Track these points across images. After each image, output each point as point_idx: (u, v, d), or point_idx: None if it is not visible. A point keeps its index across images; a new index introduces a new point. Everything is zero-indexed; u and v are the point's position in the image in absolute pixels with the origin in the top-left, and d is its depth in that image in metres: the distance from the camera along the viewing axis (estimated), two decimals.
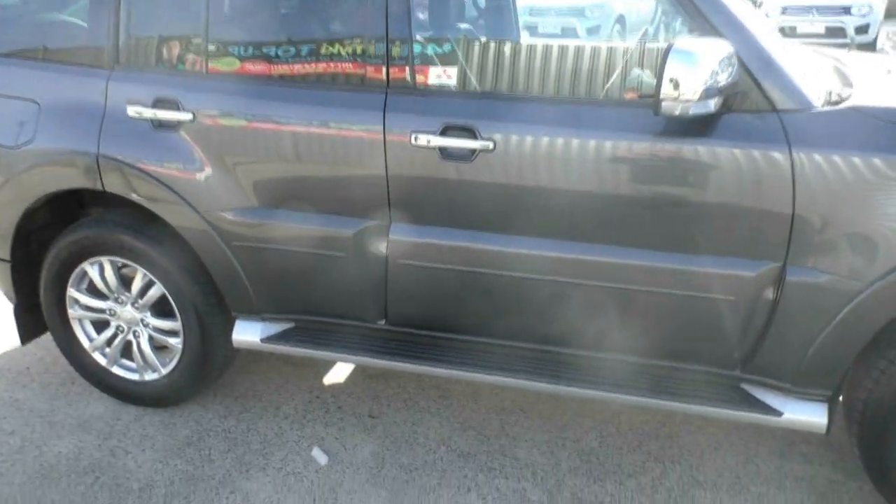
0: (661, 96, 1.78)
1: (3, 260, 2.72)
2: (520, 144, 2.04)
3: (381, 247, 2.26)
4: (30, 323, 2.85)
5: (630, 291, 2.07)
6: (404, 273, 2.26)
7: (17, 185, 2.55)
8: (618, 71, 2.13)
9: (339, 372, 3.01)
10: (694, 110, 1.78)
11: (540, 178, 2.06)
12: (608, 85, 2.12)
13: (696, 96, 1.76)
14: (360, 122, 2.18)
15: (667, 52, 1.76)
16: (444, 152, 2.10)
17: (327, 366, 3.03)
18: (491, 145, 2.05)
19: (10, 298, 2.83)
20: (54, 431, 2.67)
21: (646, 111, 1.90)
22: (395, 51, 2.15)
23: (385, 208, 2.22)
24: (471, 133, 2.07)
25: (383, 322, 2.41)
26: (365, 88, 2.19)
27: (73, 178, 2.49)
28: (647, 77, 2.16)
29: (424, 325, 2.39)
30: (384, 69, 2.17)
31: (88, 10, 2.55)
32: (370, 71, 2.19)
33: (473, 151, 2.07)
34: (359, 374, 2.99)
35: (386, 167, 2.16)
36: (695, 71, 1.74)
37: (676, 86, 1.75)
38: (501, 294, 2.20)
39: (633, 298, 2.08)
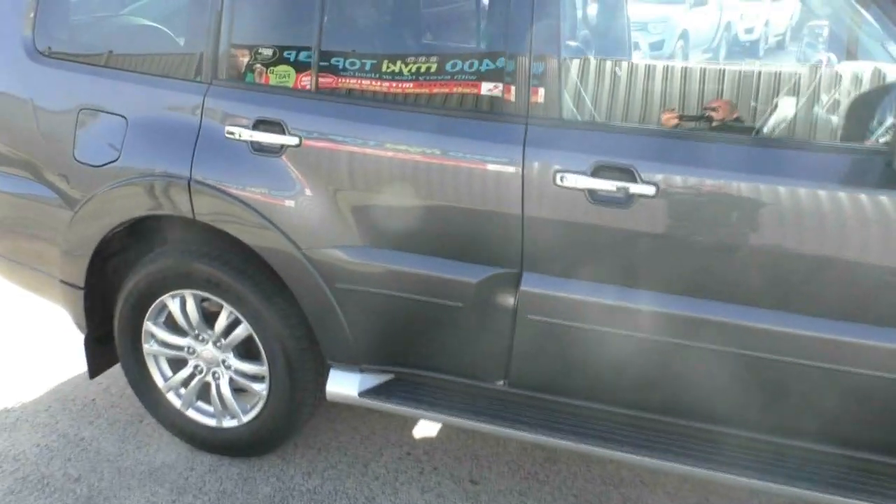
0: None
1: (77, 286, 2.49)
2: (689, 191, 1.73)
3: (510, 299, 1.96)
4: (100, 355, 2.62)
5: (820, 370, 1.73)
6: (535, 330, 1.96)
7: (98, 208, 2.32)
8: (826, 108, 1.81)
9: (431, 424, 2.71)
10: None
11: (712, 232, 1.74)
12: (796, 122, 1.80)
13: None
14: (493, 155, 1.89)
15: None
16: (595, 195, 1.80)
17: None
18: (653, 190, 1.75)
19: (80, 328, 2.60)
20: (124, 481, 2.42)
21: (866, 158, 1.57)
22: (539, 75, 1.85)
23: (517, 255, 1.92)
24: (629, 175, 1.77)
25: (502, 383, 2.11)
26: (502, 118, 1.90)
27: (160, 203, 2.24)
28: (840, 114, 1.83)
29: (551, 388, 2.08)
30: (525, 96, 1.87)
31: (186, 16, 2.32)
32: (508, 97, 1.90)
33: (631, 196, 1.77)
34: (452, 427, 2.69)
35: (522, 208, 1.87)
36: None
37: None
38: (651, 362, 1.88)
39: (824, 377, 1.74)
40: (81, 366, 2.95)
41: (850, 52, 2.38)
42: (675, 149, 1.77)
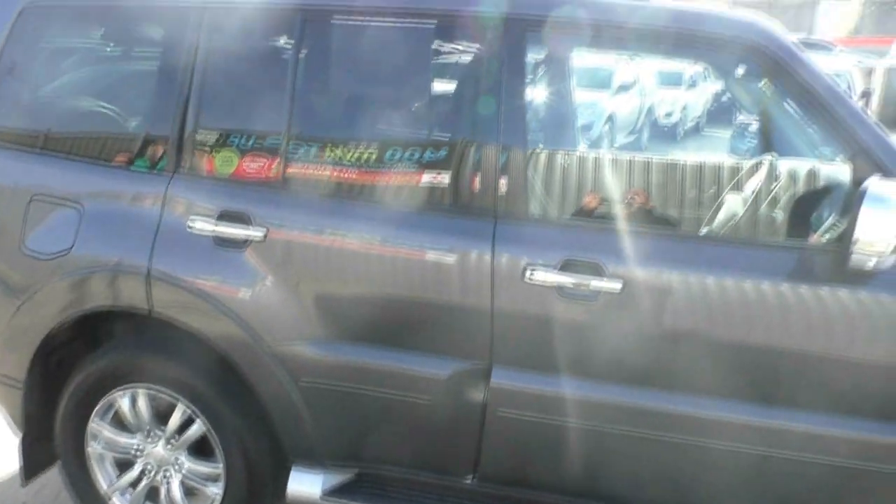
0: (856, 248, 1.56)
1: (17, 381, 2.35)
2: (655, 286, 1.80)
3: (479, 393, 1.96)
4: (35, 456, 2.45)
5: (797, 461, 1.79)
6: (506, 425, 1.96)
7: (47, 300, 2.22)
8: (771, 205, 1.93)
9: None
10: (889, 263, 1.56)
11: (679, 325, 1.80)
12: (757, 221, 1.91)
13: (891, 248, 1.54)
14: (463, 250, 1.92)
15: (861, 196, 1.55)
16: (563, 291, 1.84)
17: None
18: (619, 285, 1.80)
19: (15, 427, 2.44)
20: None
21: (818, 256, 1.68)
22: (506, 170, 1.91)
23: (486, 349, 1.93)
24: (596, 270, 1.82)
25: (471, 478, 2.08)
26: (470, 214, 1.94)
27: (115, 296, 2.17)
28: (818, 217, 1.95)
29: (521, 482, 2.06)
30: (493, 192, 1.92)
31: (147, 103, 2.31)
32: (477, 193, 1.95)
33: (598, 291, 1.82)
34: None
35: (492, 303, 1.90)
36: (891, 219, 1.53)
37: (870, 235, 1.53)
38: (623, 455, 1.90)
39: (800, 467, 1.80)
40: (6, 468, 2.77)
41: (777, 148, 2.56)
42: (643, 244, 1.84)
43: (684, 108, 12.84)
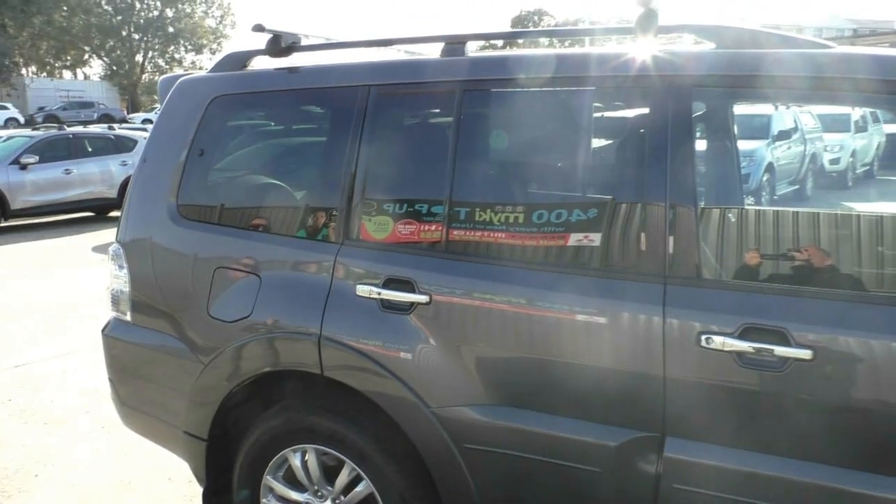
0: None
1: (200, 438, 2.52)
2: (850, 355, 1.64)
3: (651, 465, 1.86)
4: None
5: None
6: (680, 499, 1.84)
7: (229, 362, 2.38)
8: None
9: None
10: None
11: (879, 399, 1.63)
12: None
13: None
14: (631, 314, 1.86)
15: None
16: (744, 358, 1.73)
17: None
18: (809, 354, 1.66)
19: (199, 479, 2.61)
20: None
21: None
22: (674, 230, 1.84)
23: (658, 419, 1.84)
24: (781, 338, 1.69)
25: None
26: (638, 276, 1.88)
27: (290, 359, 2.29)
28: None
29: None
30: (661, 253, 1.85)
31: (315, 178, 2.46)
32: (644, 254, 1.88)
33: (785, 360, 1.69)
34: None
35: (664, 370, 1.81)
36: None
37: None
38: None
39: None
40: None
41: None
42: (833, 311, 1.69)
43: (853, 153, 11.97)
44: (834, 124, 11.63)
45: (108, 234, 10.42)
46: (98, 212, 12.40)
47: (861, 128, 12.28)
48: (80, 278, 7.67)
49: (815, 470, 1.68)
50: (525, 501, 2.05)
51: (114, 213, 12.38)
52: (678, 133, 1.84)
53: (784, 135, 9.94)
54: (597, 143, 2.09)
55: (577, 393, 1.92)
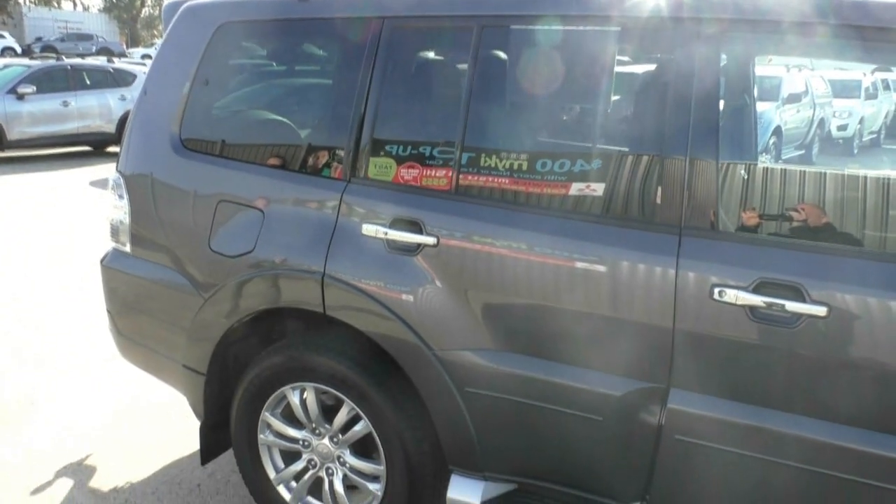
0: None
1: (199, 372, 2.51)
2: (868, 312, 1.61)
3: (654, 416, 1.85)
4: (212, 441, 2.60)
5: None
6: (681, 451, 1.84)
7: (230, 297, 2.35)
8: None
9: None
10: None
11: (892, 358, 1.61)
12: None
13: None
14: (644, 265, 1.82)
15: None
16: (756, 313, 1.70)
17: None
18: (824, 311, 1.64)
19: (197, 414, 2.60)
20: None
21: None
22: (694, 183, 1.79)
23: (664, 370, 1.82)
24: (796, 293, 1.67)
25: (639, 503, 1.97)
26: (652, 227, 1.84)
27: (292, 296, 2.26)
28: None
29: None
30: (678, 205, 1.81)
31: (324, 114, 2.40)
32: (660, 205, 1.84)
33: (799, 316, 1.66)
34: None
35: (674, 322, 1.78)
36: None
37: None
38: (814, 494, 1.72)
39: None
40: (188, 448, 2.97)
41: None
42: (852, 269, 1.66)
43: (861, 120, 11.83)
44: (844, 90, 11.48)
45: (106, 169, 10.33)
46: (96, 146, 12.26)
47: (871, 95, 12.13)
48: (78, 212, 7.61)
49: (821, 427, 1.67)
50: (525, 447, 2.05)
51: (112, 149, 12.24)
52: (704, 82, 1.78)
53: (794, 98, 9.81)
54: (618, 89, 2.02)
55: (582, 342, 1.90)
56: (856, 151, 11.77)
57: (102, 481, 2.85)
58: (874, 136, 12.55)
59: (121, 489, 2.80)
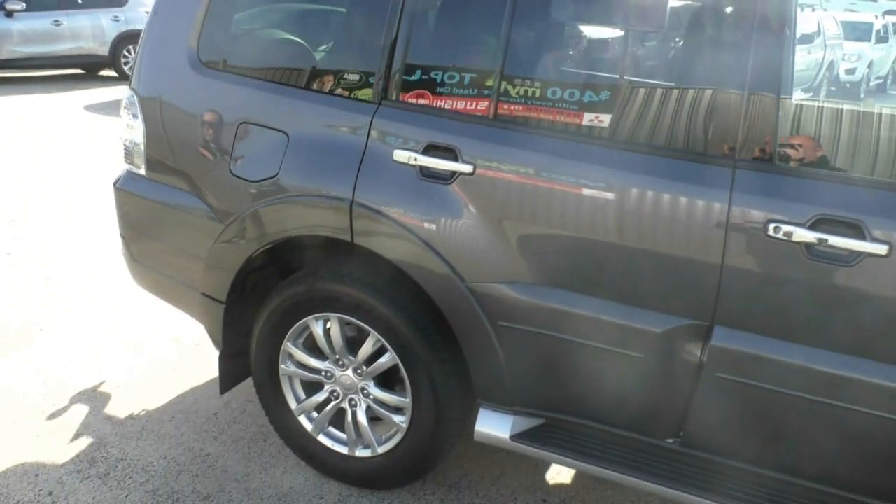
0: None
1: (218, 300, 2.45)
2: None
3: (695, 353, 1.81)
4: (231, 370, 2.57)
5: None
6: (721, 389, 1.81)
7: (251, 224, 2.27)
8: None
9: (564, 471, 2.57)
10: None
11: None
12: None
13: None
14: (692, 197, 1.75)
15: None
16: (813, 250, 1.64)
17: None
18: (885, 250, 1.58)
19: (215, 343, 2.56)
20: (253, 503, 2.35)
21: None
22: (750, 115, 1.71)
23: (709, 307, 1.77)
24: (856, 231, 1.61)
25: (672, 441, 1.96)
26: (705, 159, 1.76)
27: (317, 224, 2.18)
28: None
29: (729, 452, 1.91)
30: (733, 138, 1.73)
31: (356, 34, 2.27)
32: (714, 138, 1.76)
33: (858, 254, 1.61)
34: (587, 476, 2.54)
35: (722, 258, 1.73)
36: None
37: None
38: (861, 438, 1.71)
39: None
40: (203, 376, 2.95)
41: None
42: None
43: (870, 64, 11.63)
44: (854, 32, 11.23)
45: (100, 93, 10.06)
46: (88, 69, 11.91)
47: (882, 38, 11.89)
48: (74, 135, 7.43)
49: (873, 368, 1.64)
50: (558, 382, 2.02)
51: (105, 73, 11.90)
52: (766, 15, 1.68)
53: (805, 39, 9.57)
54: (672, 18, 1.91)
55: (623, 277, 1.85)
56: (862, 96, 11.61)
57: (118, 408, 2.83)
58: (881, 81, 12.36)
59: (137, 416, 2.78)
